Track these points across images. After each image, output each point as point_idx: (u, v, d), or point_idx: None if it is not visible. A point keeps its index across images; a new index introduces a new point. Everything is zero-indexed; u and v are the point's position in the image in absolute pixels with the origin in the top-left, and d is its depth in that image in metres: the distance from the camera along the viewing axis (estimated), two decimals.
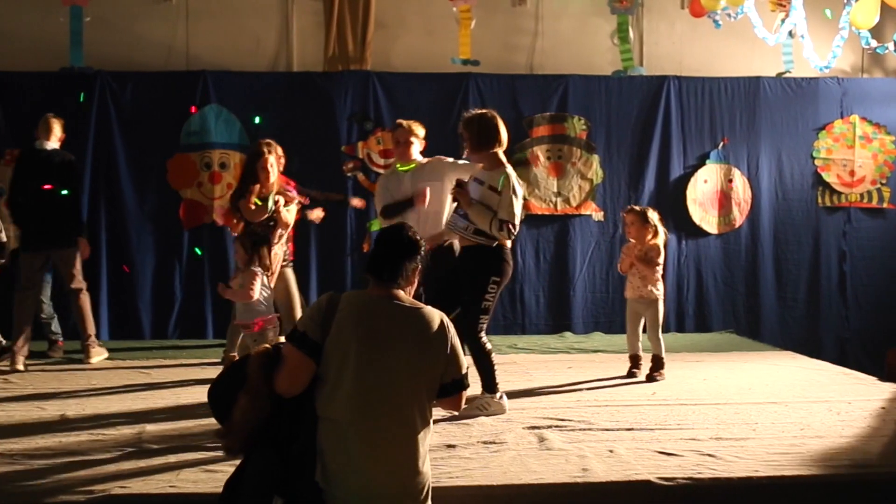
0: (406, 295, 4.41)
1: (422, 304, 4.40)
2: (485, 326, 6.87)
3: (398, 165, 7.99)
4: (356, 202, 9.85)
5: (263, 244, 7.64)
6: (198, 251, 10.81)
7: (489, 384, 6.91)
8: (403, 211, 7.68)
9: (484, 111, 7.06)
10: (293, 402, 4.23)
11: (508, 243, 6.91)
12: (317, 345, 4.21)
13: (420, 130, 7.96)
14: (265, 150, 8.35)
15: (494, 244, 6.80)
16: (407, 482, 4.17)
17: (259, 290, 7.41)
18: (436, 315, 4.35)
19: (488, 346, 6.93)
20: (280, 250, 8.35)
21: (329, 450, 4.15)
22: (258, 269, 7.48)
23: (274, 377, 4.21)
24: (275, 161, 8.39)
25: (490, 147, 6.90)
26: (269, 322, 7.47)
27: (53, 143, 9.15)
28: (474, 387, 6.90)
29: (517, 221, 6.78)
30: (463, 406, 4.68)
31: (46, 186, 8.89)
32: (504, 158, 6.96)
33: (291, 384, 4.22)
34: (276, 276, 8.21)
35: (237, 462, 4.29)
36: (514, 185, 6.79)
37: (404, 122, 8.02)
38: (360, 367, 4.15)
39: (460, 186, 6.94)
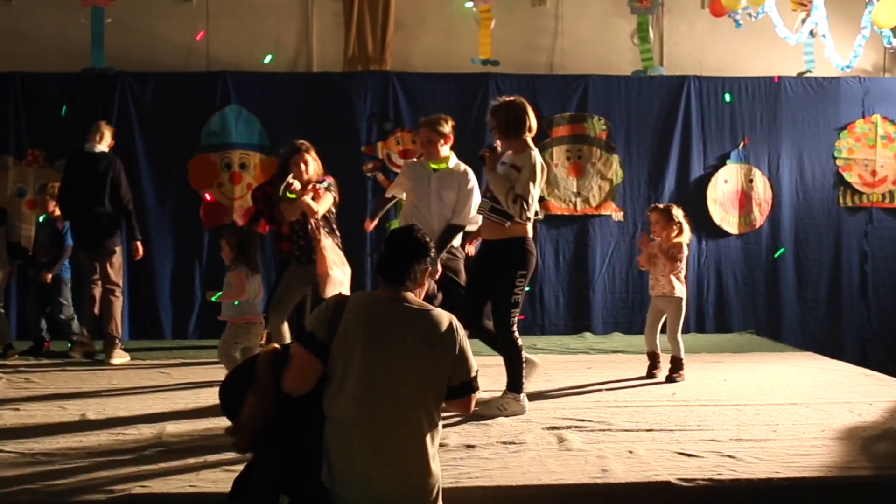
0: (415, 296, 4.41)
1: (430, 306, 4.39)
2: (516, 320, 6.86)
3: (430, 163, 7.83)
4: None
5: (250, 243, 7.53)
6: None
7: (515, 383, 6.89)
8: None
9: (512, 98, 7.00)
10: (300, 402, 4.24)
11: (530, 230, 6.88)
12: (324, 345, 4.21)
13: (445, 127, 7.74)
14: (301, 147, 8.09)
15: (517, 235, 6.78)
16: (413, 483, 4.17)
17: (248, 287, 7.34)
18: (444, 316, 4.34)
19: (519, 342, 6.90)
20: (329, 241, 7.96)
21: (334, 450, 4.15)
22: (244, 268, 7.39)
23: (282, 376, 4.22)
24: (311, 160, 8.06)
25: (519, 134, 6.87)
26: (252, 320, 7.42)
27: (102, 147, 9.36)
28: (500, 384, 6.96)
29: (532, 201, 6.72)
30: (474, 408, 4.67)
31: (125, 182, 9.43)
32: (531, 143, 6.92)
33: (298, 383, 4.22)
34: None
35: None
36: (536, 166, 6.75)
37: (424, 120, 7.86)
38: (365, 368, 4.15)
39: (492, 150, 6.93)
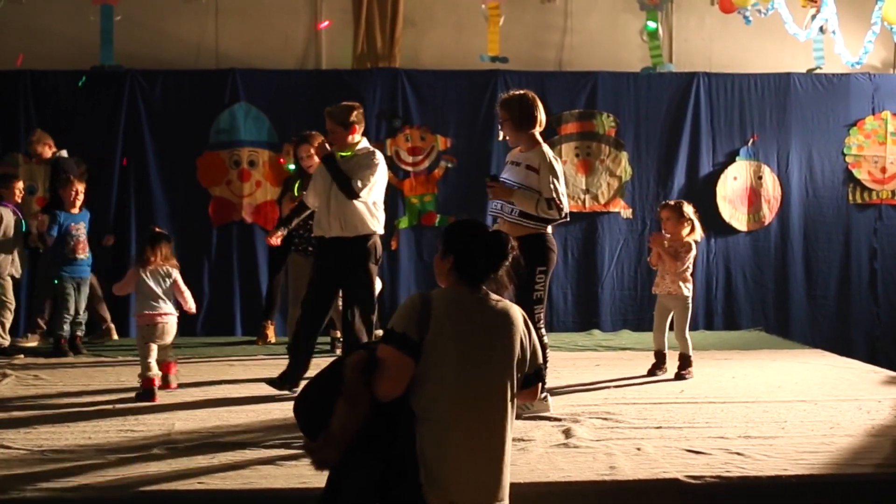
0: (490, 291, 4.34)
1: (503, 299, 4.33)
2: (542, 317, 6.80)
3: (337, 153, 7.68)
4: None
5: (160, 241, 7.52)
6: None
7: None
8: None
9: (523, 92, 6.99)
10: (391, 405, 4.11)
11: (550, 229, 6.85)
12: (417, 344, 4.09)
13: (350, 117, 7.63)
14: (294, 144, 8.36)
15: (542, 230, 6.76)
16: (504, 472, 4.15)
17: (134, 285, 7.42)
18: (515, 307, 4.32)
19: (545, 339, 6.86)
20: None
21: (431, 449, 4.06)
22: (139, 266, 7.40)
23: (373, 381, 4.08)
24: (313, 151, 8.47)
25: (529, 128, 6.88)
26: (160, 317, 7.37)
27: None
28: None
29: (563, 196, 6.73)
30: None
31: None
32: (540, 137, 6.93)
33: (395, 387, 4.09)
34: None
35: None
36: (552, 162, 6.76)
37: (328, 111, 7.76)
38: (462, 365, 4.09)
39: (494, 180, 6.88)
